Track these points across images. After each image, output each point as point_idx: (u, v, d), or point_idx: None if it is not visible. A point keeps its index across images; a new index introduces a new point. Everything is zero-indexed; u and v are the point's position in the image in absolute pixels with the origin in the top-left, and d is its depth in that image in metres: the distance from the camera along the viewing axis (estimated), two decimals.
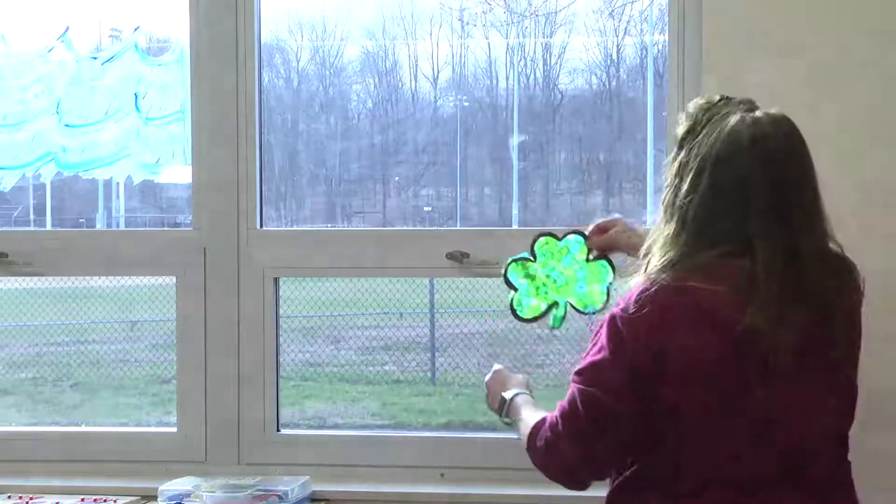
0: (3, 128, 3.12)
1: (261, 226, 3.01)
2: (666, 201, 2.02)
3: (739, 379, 1.88)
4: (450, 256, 2.87)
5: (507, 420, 2.23)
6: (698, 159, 1.98)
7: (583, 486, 2.06)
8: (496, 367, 2.36)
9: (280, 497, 2.72)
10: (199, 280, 2.98)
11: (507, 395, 2.24)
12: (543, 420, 2.05)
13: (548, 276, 2.50)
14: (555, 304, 2.49)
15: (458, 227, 3.50)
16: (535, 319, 2.49)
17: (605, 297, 2.48)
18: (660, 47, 3.39)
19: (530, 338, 6.63)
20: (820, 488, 1.95)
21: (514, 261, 2.49)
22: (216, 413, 2.99)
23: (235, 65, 2.96)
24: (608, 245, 2.46)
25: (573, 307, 2.49)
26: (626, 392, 1.92)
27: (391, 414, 6.19)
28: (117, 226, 3.85)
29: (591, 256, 2.48)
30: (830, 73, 2.62)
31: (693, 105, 2.07)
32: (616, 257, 2.48)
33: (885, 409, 2.57)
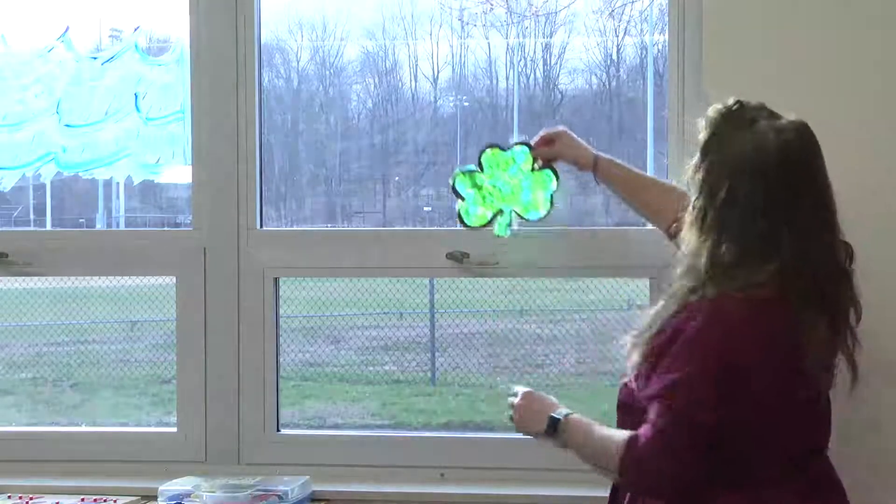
0: (3, 128, 3.12)
1: (261, 226, 3.01)
2: (698, 212, 2.08)
3: (804, 375, 2.02)
4: (450, 256, 2.87)
5: (557, 438, 2.15)
6: (728, 169, 2.06)
7: (677, 497, 2.06)
8: (523, 389, 2.27)
9: (280, 497, 2.72)
10: (199, 280, 2.98)
11: (560, 413, 2.17)
12: (635, 438, 2.02)
13: (494, 186, 2.61)
14: (500, 212, 2.61)
15: (458, 228, 3.49)
16: (481, 227, 2.62)
17: (548, 205, 2.61)
18: (660, 47, 3.39)
19: (530, 338, 6.63)
20: None
21: (462, 172, 2.60)
22: (216, 413, 2.99)
23: (235, 65, 2.96)
24: (553, 156, 2.57)
25: (518, 214, 2.61)
26: (717, 404, 1.98)
27: (391, 414, 6.19)
28: (117, 226, 3.85)
29: (536, 166, 2.58)
30: (831, 73, 2.62)
31: (713, 111, 2.12)
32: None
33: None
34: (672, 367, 2.01)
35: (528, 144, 2.59)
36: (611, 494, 2.28)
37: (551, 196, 2.61)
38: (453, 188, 2.62)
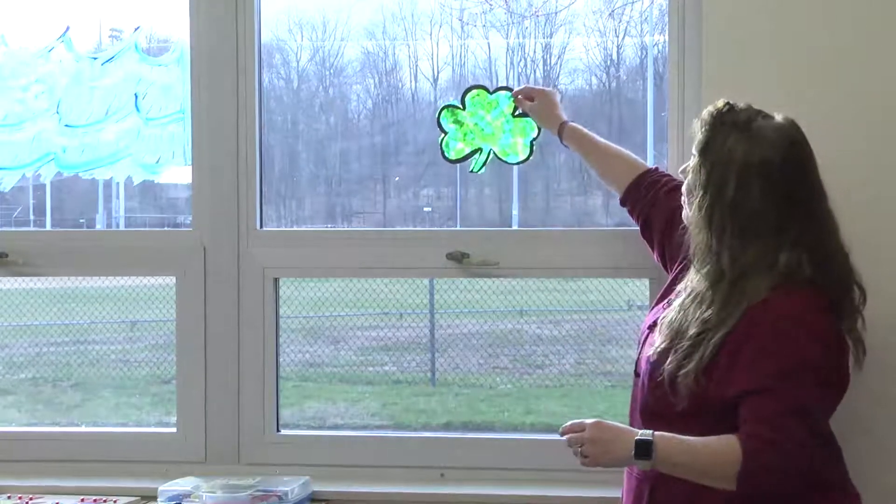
0: (3, 128, 3.12)
1: (260, 226, 3.01)
2: (705, 212, 2.15)
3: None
4: (450, 257, 2.88)
5: (649, 460, 2.10)
6: (734, 168, 2.13)
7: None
8: (588, 421, 2.18)
9: (280, 497, 2.72)
10: (199, 280, 2.98)
11: (646, 434, 2.11)
12: (753, 439, 2.02)
13: (475, 125, 2.79)
14: (479, 150, 2.79)
15: (458, 228, 3.50)
16: (459, 160, 2.80)
17: (528, 151, 2.79)
18: (660, 48, 3.38)
19: (530, 338, 6.62)
20: None
21: (446, 107, 2.79)
22: (216, 413, 2.99)
23: (235, 65, 2.96)
24: (526, 112, 2.77)
25: (496, 155, 2.79)
26: (820, 390, 2.07)
27: (391, 414, 6.18)
28: (117, 226, 3.84)
29: (517, 112, 2.78)
30: (830, 74, 2.62)
31: (707, 114, 2.19)
32: None
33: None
34: (762, 362, 2.04)
35: (511, 90, 2.79)
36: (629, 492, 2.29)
37: (531, 143, 2.79)
38: (438, 121, 2.79)
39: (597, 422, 2.17)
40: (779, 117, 2.18)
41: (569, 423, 2.20)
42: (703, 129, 2.19)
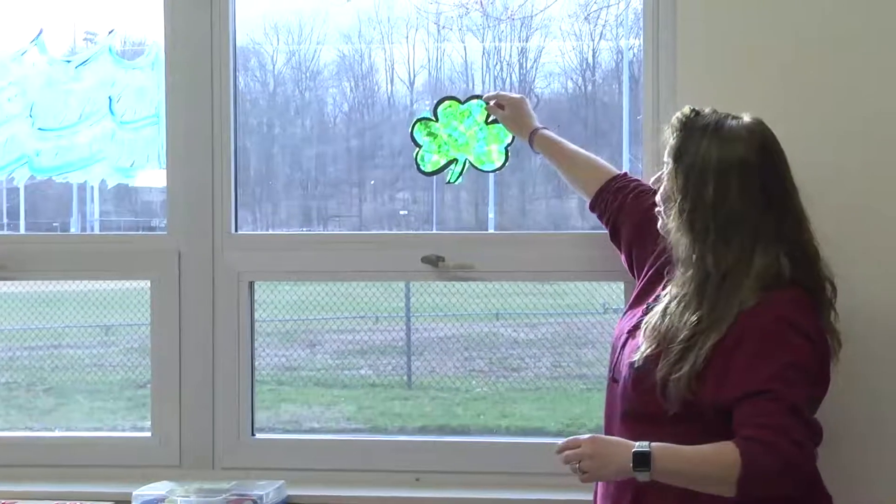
0: None
1: (236, 230, 3.00)
2: (687, 216, 2.17)
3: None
4: (425, 260, 2.88)
5: (647, 471, 2.08)
6: (711, 170, 2.15)
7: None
8: (582, 437, 2.17)
9: (255, 501, 2.71)
10: (174, 284, 2.97)
11: (643, 446, 2.09)
12: (752, 443, 2.02)
13: (449, 136, 2.82)
14: (454, 161, 2.81)
15: (434, 231, 3.49)
16: (435, 173, 2.83)
17: (503, 157, 2.82)
18: (635, 51, 3.40)
19: (506, 341, 6.63)
20: None
21: (419, 120, 2.82)
22: (191, 418, 2.98)
23: (210, 68, 2.96)
24: (499, 119, 2.79)
25: (472, 165, 2.82)
26: (815, 391, 2.13)
27: (367, 418, 6.17)
28: (91, 230, 3.82)
29: (489, 120, 2.81)
30: (804, 76, 2.64)
31: (677, 120, 2.22)
32: None
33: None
34: (758, 365, 2.06)
35: (483, 99, 2.82)
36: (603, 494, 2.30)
37: (506, 149, 2.81)
38: (412, 135, 2.81)
39: (593, 437, 2.17)
40: (746, 117, 2.21)
41: (564, 440, 2.19)
42: (675, 135, 2.21)
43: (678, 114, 2.23)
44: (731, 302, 2.11)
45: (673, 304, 2.18)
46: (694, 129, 2.19)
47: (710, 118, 2.20)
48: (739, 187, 2.13)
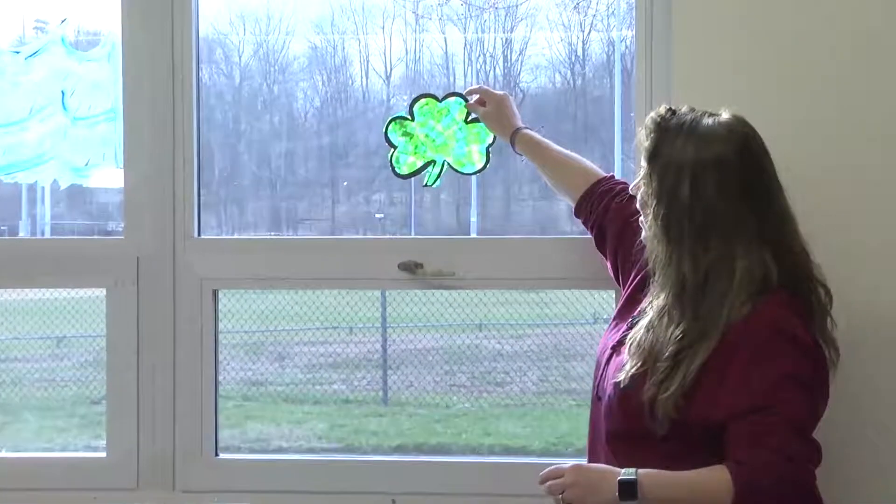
0: None
1: (199, 234, 3.00)
2: (662, 220, 2.18)
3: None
4: (402, 267, 2.88)
5: (636, 500, 2.09)
6: (687, 170, 2.16)
7: None
8: (565, 466, 2.18)
9: None
10: (132, 292, 2.97)
11: (629, 474, 2.10)
12: (744, 469, 2.03)
13: (426, 136, 2.82)
14: (432, 162, 2.82)
15: (412, 236, 3.50)
16: (411, 175, 2.84)
17: (484, 159, 2.83)
18: (627, 43, 3.41)
19: (489, 354, 6.65)
20: None
21: (394, 119, 2.82)
22: (149, 436, 2.97)
23: (171, 60, 2.96)
24: (480, 117, 2.79)
25: (451, 167, 2.82)
26: (814, 404, 2.13)
27: (340, 436, 6.18)
28: (42, 234, 3.82)
29: (469, 118, 2.81)
30: (802, 69, 2.66)
31: (651, 120, 2.25)
32: None
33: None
34: (750, 380, 2.07)
35: (462, 96, 2.82)
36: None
37: (487, 150, 2.82)
38: (386, 135, 2.82)
39: (576, 465, 2.18)
40: (725, 114, 2.23)
41: (546, 470, 2.20)
42: (649, 137, 2.22)
43: (652, 114, 2.25)
44: (715, 310, 2.12)
45: (655, 318, 2.19)
46: (669, 130, 2.20)
47: (685, 117, 2.22)
48: (717, 185, 2.14)
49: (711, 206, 2.14)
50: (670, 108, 2.25)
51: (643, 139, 2.24)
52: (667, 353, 2.12)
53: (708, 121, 2.20)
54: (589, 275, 2.85)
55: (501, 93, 2.81)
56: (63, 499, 2.96)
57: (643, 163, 2.24)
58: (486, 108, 2.78)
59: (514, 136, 2.75)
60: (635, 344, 2.20)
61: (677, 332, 2.13)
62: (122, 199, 3.01)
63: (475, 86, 2.83)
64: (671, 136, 2.20)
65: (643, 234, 2.28)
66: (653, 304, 2.22)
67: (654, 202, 2.19)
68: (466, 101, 2.82)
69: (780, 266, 2.16)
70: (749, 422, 2.05)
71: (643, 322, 2.22)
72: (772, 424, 2.04)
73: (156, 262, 2.97)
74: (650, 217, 2.20)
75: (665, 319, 2.16)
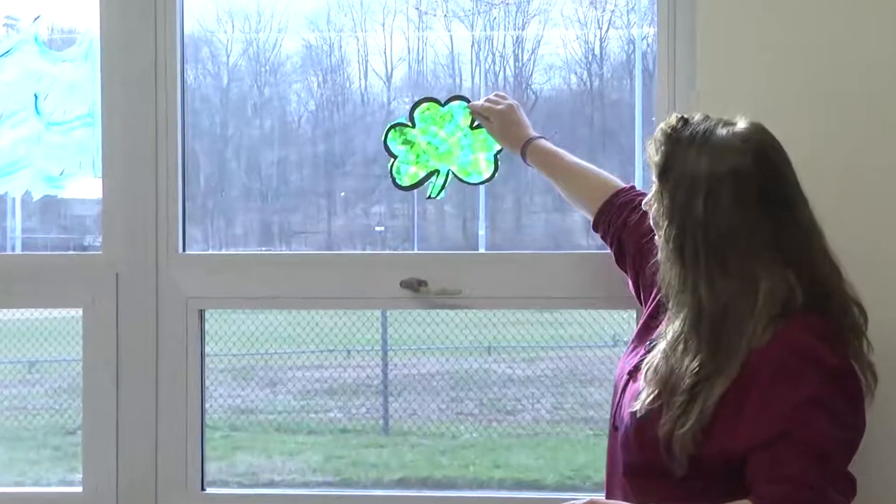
0: None
1: (183, 249, 3.01)
2: (675, 240, 2.17)
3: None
4: (405, 284, 2.89)
5: None
6: (702, 184, 2.15)
7: None
8: (583, 499, 2.19)
9: None
10: (110, 312, 2.97)
11: None
12: (771, 494, 2.04)
13: (429, 143, 2.82)
14: (436, 172, 2.82)
15: (415, 251, 3.51)
16: (413, 187, 2.85)
17: (492, 167, 2.82)
18: (649, 41, 3.42)
19: (499, 379, 6.65)
20: None
21: (393, 127, 2.82)
22: (129, 469, 2.98)
23: (154, 60, 2.97)
24: (487, 130, 2.79)
25: (456, 176, 2.82)
26: (847, 432, 2.10)
27: (337, 469, 6.18)
28: (13, 249, 3.82)
29: (475, 124, 2.81)
30: (830, 68, 2.66)
31: (661, 132, 2.23)
32: None
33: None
34: (770, 409, 2.06)
35: (466, 100, 2.82)
36: None
37: (495, 157, 2.82)
38: (385, 144, 2.82)
39: (593, 501, 2.18)
40: (742, 123, 2.21)
41: None
42: (659, 150, 2.21)
43: (662, 125, 2.23)
44: (734, 341, 2.11)
45: (670, 345, 2.18)
46: (679, 142, 2.19)
47: (698, 127, 2.20)
48: (733, 200, 2.12)
49: (728, 221, 2.12)
50: (682, 118, 2.23)
51: (653, 154, 2.22)
52: (683, 387, 2.12)
53: (723, 131, 2.18)
54: (607, 293, 2.86)
55: (505, 104, 2.80)
56: None
57: (654, 178, 2.23)
58: (490, 123, 2.79)
59: (525, 148, 2.75)
60: (651, 370, 2.20)
61: (694, 364, 2.12)
62: (100, 211, 3.02)
63: (476, 102, 2.83)
64: (683, 147, 2.18)
65: (659, 255, 2.28)
66: (669, 329, 2.21)
67: (667, 221, 2.18)
68: (469, 102, 2.82)
69: (807, 286, 2.14)
70: (766, 453, 2.05)
71: (659, 348, 2.21)
72: (789, 453, 2.03)
73: (136, 279, 2.97)
74: (662, 237, 2.20)
75: (680, 347, 2.15)
